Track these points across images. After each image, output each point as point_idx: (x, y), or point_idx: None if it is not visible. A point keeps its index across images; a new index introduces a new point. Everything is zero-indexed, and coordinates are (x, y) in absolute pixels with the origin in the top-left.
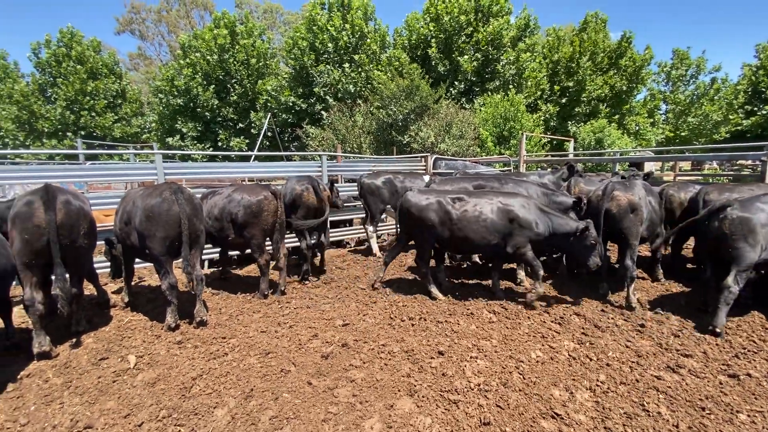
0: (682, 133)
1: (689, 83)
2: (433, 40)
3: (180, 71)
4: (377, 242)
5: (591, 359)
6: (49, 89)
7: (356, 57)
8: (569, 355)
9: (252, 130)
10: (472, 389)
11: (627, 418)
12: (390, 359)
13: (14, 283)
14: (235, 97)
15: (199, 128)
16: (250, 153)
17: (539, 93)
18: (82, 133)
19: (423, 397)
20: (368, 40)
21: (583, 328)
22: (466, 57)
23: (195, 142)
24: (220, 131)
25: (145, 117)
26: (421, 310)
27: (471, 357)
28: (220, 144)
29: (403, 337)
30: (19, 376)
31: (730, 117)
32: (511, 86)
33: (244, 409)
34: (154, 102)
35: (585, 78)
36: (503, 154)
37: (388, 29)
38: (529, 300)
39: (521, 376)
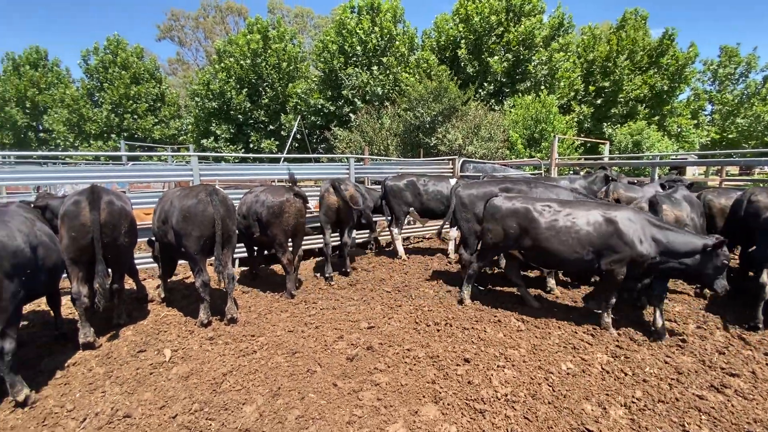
0: (730, 135)
1: (738, 82)
2: (462, 41)
3: (215, 75)
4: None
5: (626, 374)
6: (96, 93)
7: (384, 59)
8: (602, 368)
9: (282, 132)
10: (499, 399)
11: None
12: (415, 364)
13: (63, 276)
14: (267, 100)
15: (232, 130)
16: (279, 155)
17: (573, 94)
18: (125, 134)
19: (448, 404)
20: (397, 43)
21: (617, 341)
22: (496, 58)
23: (228, 143)
24: (252, 133)
25: (182, 119)
26: (447, 316)
27: (498, 366)
28: (251, 146)
29: (428, 342)
30: (66, 364)
31: None
32: (542, 87)
33: (271, 407)
34: (190, 105)
35: (622, 78)
36: (533, 157)
37: (416, 31)
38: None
39: (551, 388)
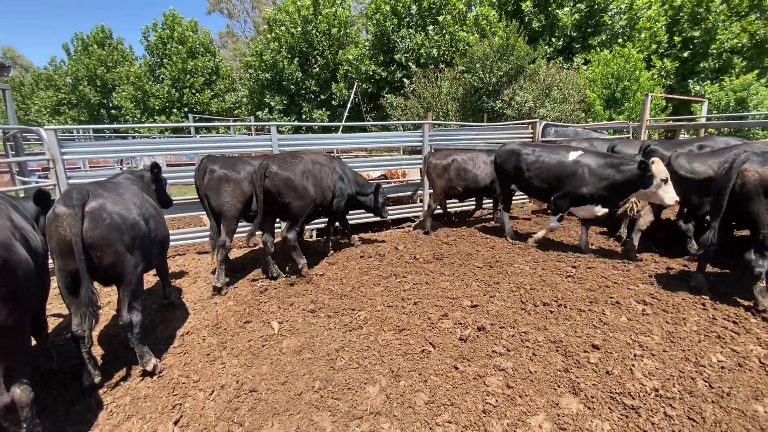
0: None
1: None
2: None
3: (267, 45)
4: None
5: None
6: (158, 69)
7: (440, 18)
8: (761, 362)
9: (333, 102)
10: (648, 394)
11: None
12: (537, 349)
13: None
14: (317, 69)
15: (284, 101)
16: (357, 124)
17: (655, 47)
18: (185, 109)
19: (591, 397)
20: None
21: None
22: (566, 9)
23: (281, 115)
24: (304, 104)
25: (236, 92)
26: (555, 296)
27: (635, 355)
28: (303, 117)
29: (544, 325)
30: (180, 333)
31: None
32: (620, 40)
33: (396, 389)
34: (244, 77)
35: (716, 25)
36: (612, 120)
37: None
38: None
39: (707, 385)
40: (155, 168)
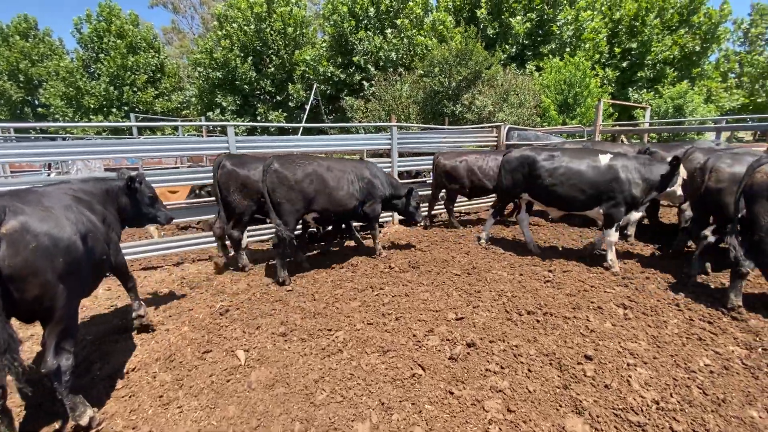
0: (759, 100)
1: None
2: (482, 1)
3: (218, 43)
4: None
5: None
6: (93, 65)
7: (398, 22)
8: (744, 363)
9: (290, 103)
10: (650, 407)
11: None
12: (531, 364)
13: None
14: (273, 69)
15: (238, 102)
16: (319, 126)
17: (597, 56)
18: (125, 108)
19: (596, 416)
20: (411, 3)
21: (740, 328)
22: (518, 18)
23: (234, 116)
24: (259, 105)
25: (184, 91)
26: (538, 303)
27: (628, 364)
28: (259, 118)
29: (534, 336)
30: (125, 370)
31: None
32: (568, 49)
33: (389, 425)
34: (193, 75)
35: (651, 38)
36: (566, 124)
37: None
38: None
39: (702, 392)
40: (132, 180)
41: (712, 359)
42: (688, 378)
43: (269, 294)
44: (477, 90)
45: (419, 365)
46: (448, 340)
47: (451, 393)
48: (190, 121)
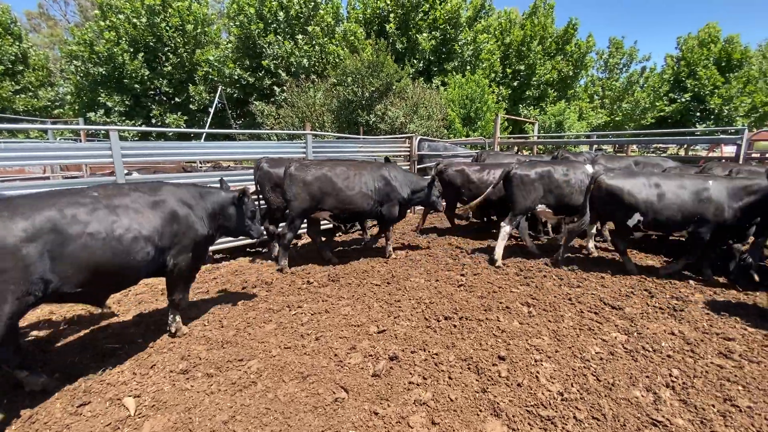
0: (617, 118)
1: (623, 71)
2: (391, 15)
3: (100, 35)
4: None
5: (649, 351)
6: None
7: (309, 29)
8: (625, 348)
9: (191, 106)
10: (556, 400)
11: (722, 417)
12: (451, 371)
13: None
14: (170, 68)
15: (127, 102)
16: (225, 132)
17: (493, 75)
18: None
19: (512, 416)
20: (321, 12)
21: (619, 316)
22: (424, 35)
23: (123, 118)
24: (154, 106)
25: (55, 87)
26: (454, 308)
27: (535, 360)
28: (153, 121)
29: (452, 342)
30: None
31: (656, 104)
32: (468, 67)
33: None
34: (68, 70)
35: (535, 62)
36: (469, 136)
37: (341, 0)
38: None
39: (596, 378)
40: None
41: (600, 347)
42: (584, 367)
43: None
44: (389, 101)
45: (342, 387)
46: (371, 355)
47: (376, 413)
48: (65, 122)
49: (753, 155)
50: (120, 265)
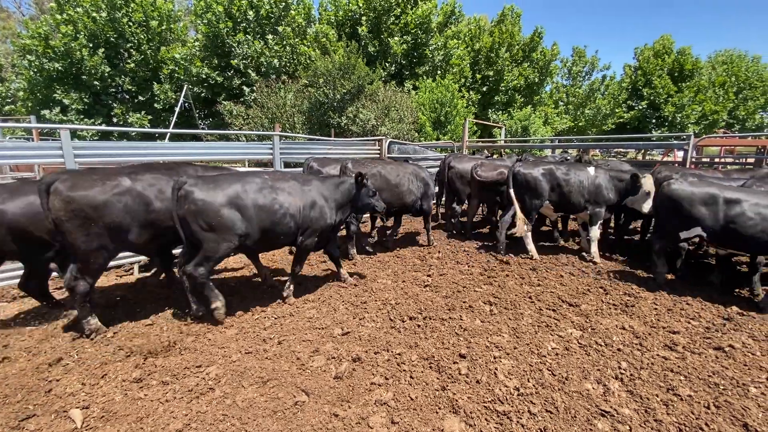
0: (580, 124)
1: (585, 79)
2: (363, 18)
3: (56, 28)
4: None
5: (601, 345)
6: None
7: (280, 29)
8: (579, 343)
9: (155, 105)
10: (512, 394)
11: (665, 405)
12: (413, 370)
13: None
14: (133, 65)
15: (86, 100)
16: (190, 132)
17: (463, 80)
18: None
19: (469, 412)
20: (292, 12)
21: (575, 312)
22: (396, 39)
23: (81, 116)
24: (115, 105)
25: (6, 83)
26: (418, 308)
27: (495, 357)
28: (115, 120)
29: (415, 341)
30: None
31: (616, 110)
32: (439, 72)
33: None
34: (20, 65)
35: (504, 68)
36: (440, 140)
37: (313, 1)
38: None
39: (551, 373)
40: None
41: (556, 342)
42: (540, 362)
43: (126, 330)
44: (361, 104)
45: (303, 391)
46: (333, 358)
47: (336, 415)
48: (16, 120)
49: (703, 159)
50: (275, 231)
